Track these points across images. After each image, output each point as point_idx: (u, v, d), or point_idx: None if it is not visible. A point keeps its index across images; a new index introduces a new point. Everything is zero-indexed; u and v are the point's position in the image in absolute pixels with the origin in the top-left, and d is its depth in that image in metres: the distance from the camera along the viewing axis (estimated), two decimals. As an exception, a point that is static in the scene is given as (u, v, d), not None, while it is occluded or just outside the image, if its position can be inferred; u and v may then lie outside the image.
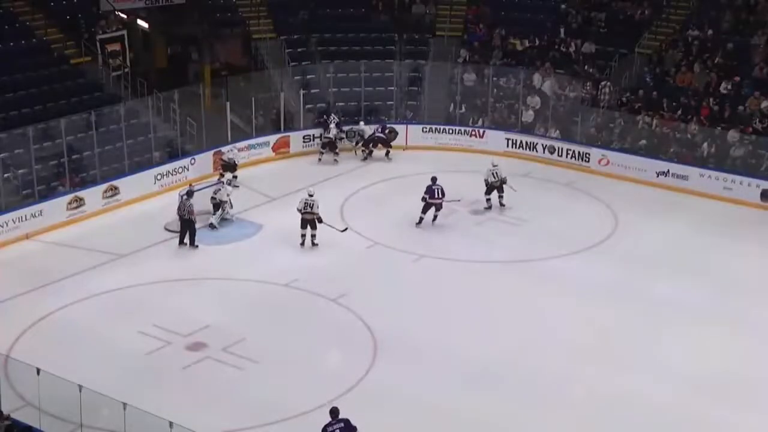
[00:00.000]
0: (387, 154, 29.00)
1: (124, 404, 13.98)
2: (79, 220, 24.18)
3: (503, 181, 24.97)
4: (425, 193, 23.83)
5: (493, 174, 24.87)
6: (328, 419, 14.80)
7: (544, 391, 17.08)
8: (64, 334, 18.84)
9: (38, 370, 14.81)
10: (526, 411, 16.56)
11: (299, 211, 22.65)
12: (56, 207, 23.84)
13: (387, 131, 29.27)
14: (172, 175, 26.40)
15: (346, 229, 23.16)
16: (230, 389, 17.18)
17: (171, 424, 13.55)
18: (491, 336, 18.92)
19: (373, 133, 28.97)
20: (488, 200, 25.06)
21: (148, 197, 25.59)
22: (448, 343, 18.60)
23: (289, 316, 19.79)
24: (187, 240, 22.65)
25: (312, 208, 22.51)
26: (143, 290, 20.67)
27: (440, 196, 23.82)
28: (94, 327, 19.13)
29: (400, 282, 21.32)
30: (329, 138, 28.58)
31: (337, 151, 28.58)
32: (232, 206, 24.37)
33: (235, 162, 26.54)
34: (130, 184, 25.43)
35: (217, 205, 24.10)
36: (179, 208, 22.58)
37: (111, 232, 23.64)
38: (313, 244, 22.69)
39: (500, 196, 25.02)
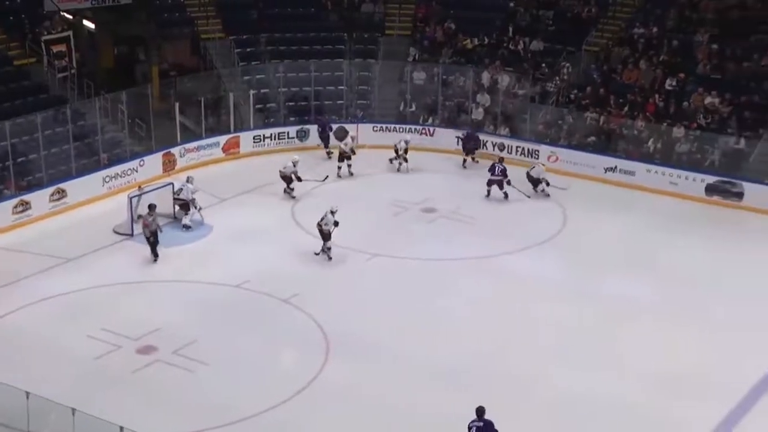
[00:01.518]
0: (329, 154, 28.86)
1: (73, 410, 13.87)
2: (25, 224, 23.87)
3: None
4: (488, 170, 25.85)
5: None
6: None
7: (502, 389, 17.09)
8: (12, 340, 18.59)
9: (-16, 378, 14.63)
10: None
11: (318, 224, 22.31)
12: (1, 211, 23.49)
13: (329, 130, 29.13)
14: (120, 177, 26.15)
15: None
16: (181, 392, 17.08)
17: (121, 428, 13.47)
18: (445, 335, 19.00)
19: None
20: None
21: (97, 200, 25.33)
22: (401, 343, 18.65)
23: (240, 317, 19.71)
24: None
25: (325, 223, 22.08)
26: (92, 294, 20.45)
27: (498, 173, 25.65)
28: (43, 332, 18.90)
29: (353, 282, 21.34)
30: (345, 152, 27.58)
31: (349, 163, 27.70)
32: (199, 207, 24.14)
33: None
34: (77, 187, 25.14)
35: (185, 205, 23.87)
36: (148, 225, 21.88)
37: (59, 235, 23.36)
38: (324, 253, 22.29)
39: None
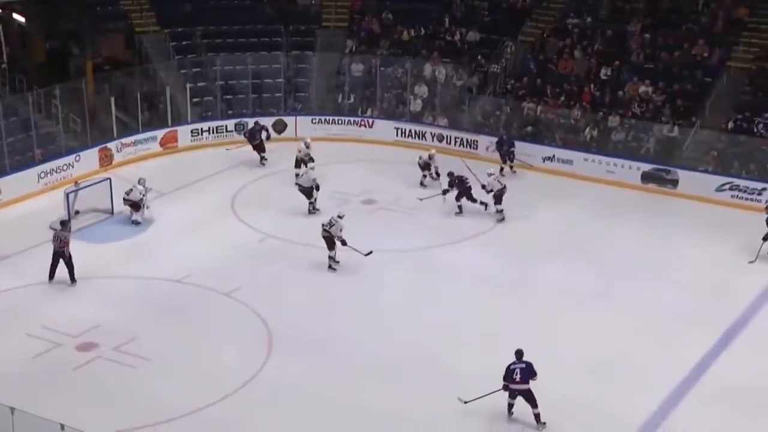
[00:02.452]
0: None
1: (12, 408, 13.61)
2: (-42, 222, 23.40)
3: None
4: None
5: (498, 181, 24.31)
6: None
7: (441, 383, 17.04)
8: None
9: None
10: (423, 403, 16.62)
11: (322, 226, 21.51)
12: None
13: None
14: (56, 172, 25.72)
15: (370, 252, 21.60)
16: (123, 389, 16.89)
17: (62, 426, 13.30)
18: (387, 328, 19.02)
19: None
20: (501, 211, 24.12)
21: (31, 196, 24.87)
22: (344, 336, 18.64)
23: (182, 312, 19.57)
24: (67, 276, 20.46)
25: (331, 227, 21.37)
26: (29, 291, 20.12)
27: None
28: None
29: (294, 274, 21.27)
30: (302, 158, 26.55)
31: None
32: (147, 207, 23.80)
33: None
34: (11, 183, 24.69)
35: (134, 205, 23.51)
36: (53, 239, 20.54)
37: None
38: (331, 264, 21.62)
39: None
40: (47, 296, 19.95)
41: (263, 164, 27.46)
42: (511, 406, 16.21)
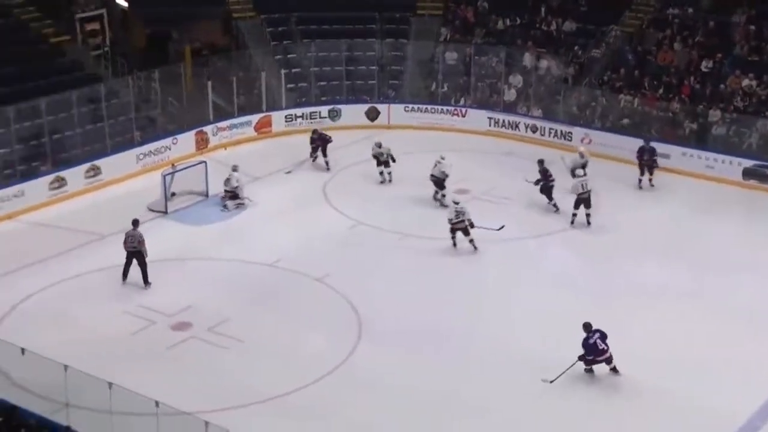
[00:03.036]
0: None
1: (110, 383, 13.97)
2: (60, 200, 24.07)
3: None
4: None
5: (582, 185, 22.96)
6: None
7: (531, 375, 16.85)
8: (49, 314, 18.77)
9: (23, 350, 14.79)
10: (511, 395, 16.51)
11: (450, 221, 21.57)
12: (38, 187, 23.72)
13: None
14: (154, 154, 26.26)
15: (502, 226, 22.04)
16: (214, 369, 17.18)
17: (157, 403, 13.57)
18: (476, 318, 18.91)
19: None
20: (574, 215, 23.08)
21: (130, 177, 25.46)
22: (434, 325, 18.56)
23: (273, 296, 19.78)
24: (140, 277, 20.01)
25: (464, 215, 21.57)
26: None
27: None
28: (79, 307, 19.08)
29: (385, 262, 21.30)
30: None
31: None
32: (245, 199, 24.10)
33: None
34: (111, 164, 25.29)
35: (234, 194, 23.85)
36: (126, 241, 20.04)
37: (93, 212, 23.55)
38: (474, 247, 21.76)
39: (587, 214, 23.01)
40: (138, 279, 20.35)
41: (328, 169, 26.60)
42: (591, 371, 16.77)
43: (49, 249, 21.23)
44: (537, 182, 24.07)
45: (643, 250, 21.92)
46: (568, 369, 16.48)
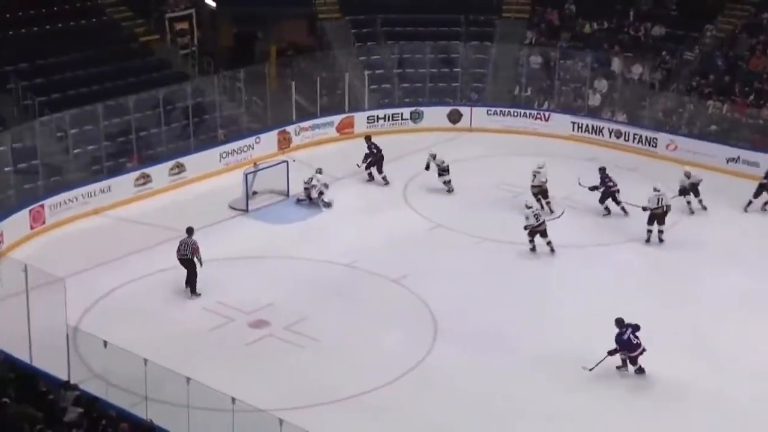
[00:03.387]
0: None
1: (188, 379, 14.17)
2: (145, 197, 24.52)
3: (667, 210, 22.14)
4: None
5: (658, 200, 22.11)
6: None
7: (600, 383, 16.77)
8: (131, 309, 19.16)
9: (105, 343, 15.10)
10: (584, 404, 16.37)
11: (530, 227, 21.38)
12: (124, 183, 24.22)
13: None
14: (237, 153, 26.58)
15: (563, 212, 22.49)
16: (290, 367, 17.33)
17: (233, 399, 13.72)
18: (552, 324, 18.74)
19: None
20: (649, 231, 22.27)
21: (213, 175, 25.81)
22: (510, 330, 18.45)
23: (351, 295, 19.86)
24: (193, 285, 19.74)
25: (542, 217, 21.55)
26: (207, 267, 20.72)
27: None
28: (160, 302, 19.46)
29: (463, 266, 21.21)
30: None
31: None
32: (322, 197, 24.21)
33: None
34: (195, 162, 25.68)
35: (310, 196, 24.04)
36: (178, 249, 19.72)
37: (176, 208, 23.91)
38: (552, 249, 21.64)
39: (660, 231, 22.22)
40: (223, 273, 20.62)
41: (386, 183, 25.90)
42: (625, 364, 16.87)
43: (132, 244, 21.67)
44: (593, 188, 23.64)
45: (726, 258, 21.41)
46: (603, 360, 16.68)
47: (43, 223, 22.49)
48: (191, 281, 19.68)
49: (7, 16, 27.76)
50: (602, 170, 23.99)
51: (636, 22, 31.27)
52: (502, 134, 29.28)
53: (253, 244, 22.04)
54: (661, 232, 22.25)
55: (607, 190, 23.62)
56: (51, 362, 15.61)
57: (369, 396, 16.44)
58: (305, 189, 24.23)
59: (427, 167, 25.15)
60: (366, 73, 30.07)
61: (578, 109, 29.82)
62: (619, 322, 16.81)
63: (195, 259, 19.58)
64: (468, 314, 18.99)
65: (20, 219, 21.99)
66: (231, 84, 28.12)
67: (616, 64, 29.80)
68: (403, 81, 31.00)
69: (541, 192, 23.76)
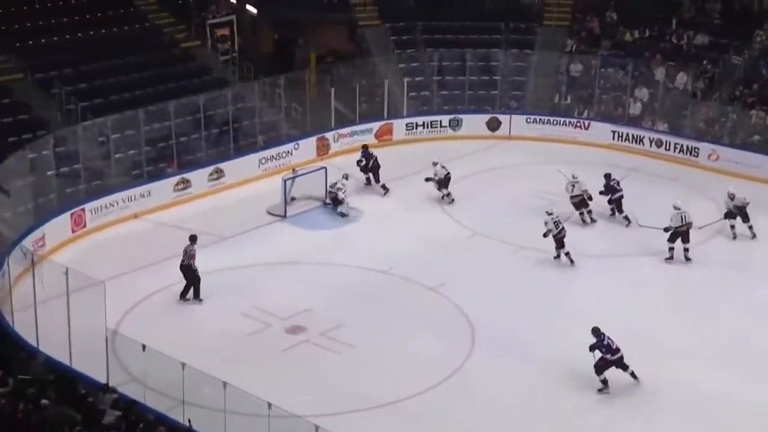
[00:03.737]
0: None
1: (225, 383, 14.23)
2: (184, 201, 24.68)
3: (688, 226, 21.44)
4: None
5: (682, 217, 21.56)
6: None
7: (636, 395, 16.71)
8: (169, 313, 19.34)
9: (144, 347, 15.21)
10: (623, 416, 16.33)
11: (551, 233, 21.27)
12: (164, 188, 24.40)
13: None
14: (275, 159, 26.68)
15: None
16: (327, 374, 17.36)
17: (269, 404, 13.75)
18: (586, 332, 18.51)
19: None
20: (671, 249, 21.64)
21: (252, 181, 25.93)
22: (547, 339, 18.36)
23: (387, 302, 19.85)
24: (190, 294, 19.82)
25: (562, 223, 21.44)
26: (245, 273, 20.99)
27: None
28: (197, 306, 19.59)
29: (500, 274, 21.12)
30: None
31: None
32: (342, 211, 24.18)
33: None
34: (234, 168, 25.80)
35: (335, 199, 24.08)
36: (183, 254, 19.93)
37: (215, 214, 24.06)
38: (571, 260, 21.55)
39: (685, 249, 21.60)
40: (261, 278, 20.72)
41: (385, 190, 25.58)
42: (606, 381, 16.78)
43: (171, 249, 21.63)
44: (602, 193, 23.65)
45: (762, 272, 21.11)
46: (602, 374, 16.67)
47: (84, 226, 22.73)
48: (192, 287, 19.71)
49: (52, 21, 28.16)
50: (608, 176, 23.84)
51: (678, 30, 30.98)
52: (541, 142, 29.13)
53: (290, 250, 22.11)
54: (686, 250, 21.72)
55: (613, 196, 23.55)
56: (90, 365, 15.79)
57: (406, 403, 16.44)
58: (330, 192, 24.25)
59: (430, 179, 24.86)
60: (405, 80, 30.07)
61: (618, 117, 29.59)
62: (596, 331, 16.80)
63: (189, 264, 19.71)
64: (506, 323, 18.90)
65: (62, 222, 22.24)
66: (271, 90, 28.26)
67: (660, 73, 29.50)
68: (442, 88, 30.97)
69: (582, 203, 23.58)
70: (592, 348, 16.73)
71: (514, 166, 26.93)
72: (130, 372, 16.50)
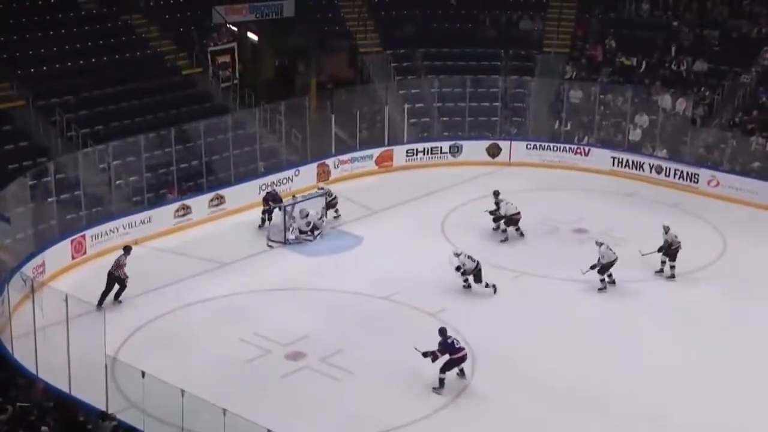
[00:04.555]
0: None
1: (224, 410, 14.18)
2: (185, 228, 24.68)
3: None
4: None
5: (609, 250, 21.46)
6: None
7: (639, 419, 16.71)
8: (168, 339, 19.27)
9: (143, 373, 15.17)
10: None
11: (466, 270, 21.19)
12: (164, 214, 24.41)
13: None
14: (276, 185, 26.69)
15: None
16: (327, 400, 17.29)
17: (269, 431, 13.69)
18: (587, 357, 18.62)
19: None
20: (602, 281, 21.57)
21: (252, 207, 25.91)
22: (549, 363, 18.35)
23: (388, 328, 19.80)
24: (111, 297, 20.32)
25: (472, 261, 21.18)
26: (245, 299, 20.97)
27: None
28: (197, 333, 19.52)
29: (500, 299, 21.12)
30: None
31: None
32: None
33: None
34: (235, 194, 25.83)
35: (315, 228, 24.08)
36: (122, 266, 20.60)
37: (215, 240, 24.07)
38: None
39: (672, 266, 21.98)
40: (260, 304, 20.70)
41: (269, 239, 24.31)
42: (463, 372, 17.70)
43: (170, 275, 21.78)
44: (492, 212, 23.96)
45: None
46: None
47: (84, 253, 22.74)
48: (118, 291, 20.40)
49: (54, 49, 28.28)
50: (496, 194, 24.13)
51: (678, 57, 31.12)
52: (541, 168, 29.21)
53: (291, 276, 22.10)
54: (672, 267, 21.98)
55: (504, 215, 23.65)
56: (90, 392, 15.77)
57: (407, 429, 16.37)
58: (307, 224, 24.16)
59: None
60: (405, 106, 30.17)
61: (618, 144, 29.66)
62: (442, 332, 17.60)
63: (117, 275, 20.34)
64: (507, 348, 18.87)
65: (62, 249, 22.24)
66: (271, 116, 28.33)
67: (665, 100, 29.54)
68: (442, 115, 31.08)
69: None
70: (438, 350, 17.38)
71: (514, 192, 26.78)
72: (129, 399, 16.43)
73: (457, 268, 21.32)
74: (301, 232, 24.11)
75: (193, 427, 15.15)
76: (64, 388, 16.14)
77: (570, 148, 29.72)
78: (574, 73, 31.89)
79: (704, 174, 27.52)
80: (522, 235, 23.80)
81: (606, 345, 19.13)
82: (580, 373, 18.03)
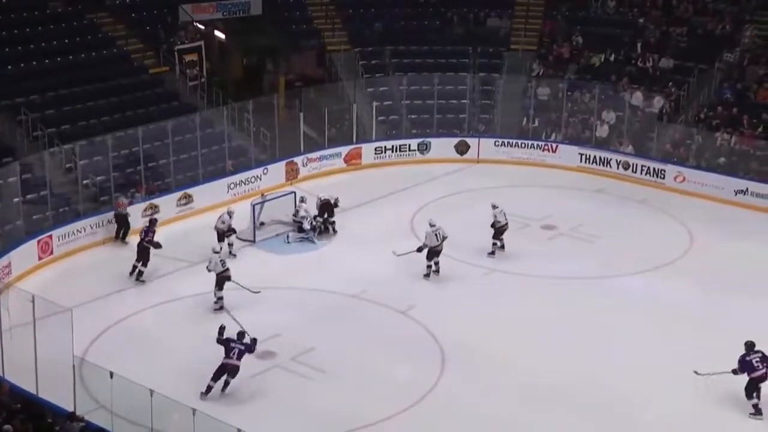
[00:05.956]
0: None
1: (194, 410, 14.13)
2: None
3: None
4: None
5: (436, 235, 21.71)
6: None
7: (609, 412, 16.84)
8: (137, 339, 19.16)
9: (111, 374, 15.08)
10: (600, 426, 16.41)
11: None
12: (132, 214, 24.21)
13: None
14: (244, 184, 26.63)
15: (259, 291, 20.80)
16: (298, 399, 17.27)
17: (239, 431, 13.65)
18: (557, 352, 18.73)
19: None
20: (429, 266, 21.91)
21: (221, 206, 25.75)
22: (518, 360, 18.45)
23: (358, 326, 19.82)
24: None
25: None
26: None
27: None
28: (166, 333, 19.45)
29: (470, 296, 21.22)
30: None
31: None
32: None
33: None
34: (203, 193, 25.73)
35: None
36: (122, 205, 23.43)
37: (184, 239, 23.92)
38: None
39: (502, 246, 23.01)
40: (230, 303, 20.58)
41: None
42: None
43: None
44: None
45: (736, 290, 21.25)
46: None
47: (51, 253, 22.54)
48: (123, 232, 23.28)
49: (19, 48, 28.01)
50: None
51: (644, 54, 31.36)
52: (509, 165, 29.34)
53: (259, 275, 21.99)
54: (502, 247, 22.88)
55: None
56: (57, 393, 15.59)
57: (377, 426, 16.37)
58: (294, 222, 24.22)
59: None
60: (374, 104, 30.20)
61: (586, 140, 29.85)
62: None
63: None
64: (476, 344, 18.93)
65: (28, 249, 22.02)
66: (240, 115, 28.23)
67: (636, 98, 29.74)
68: (410, 112, 31.11)
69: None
70: None
71: (482, 189, 27.03)
72: (97, 400, 16.32)
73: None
74: (301, 231, 24.10)
75: (163, 427, 15.07)
76: (32, 390, 15.97)
77: (538, 145, 29.87)
78: (542, 71, 32.06)
79: (671, 170, 27.77)
80: (502, 247, 23.25)
81: (579, 340, 19.21)
82: (552, 368, 18.12)
